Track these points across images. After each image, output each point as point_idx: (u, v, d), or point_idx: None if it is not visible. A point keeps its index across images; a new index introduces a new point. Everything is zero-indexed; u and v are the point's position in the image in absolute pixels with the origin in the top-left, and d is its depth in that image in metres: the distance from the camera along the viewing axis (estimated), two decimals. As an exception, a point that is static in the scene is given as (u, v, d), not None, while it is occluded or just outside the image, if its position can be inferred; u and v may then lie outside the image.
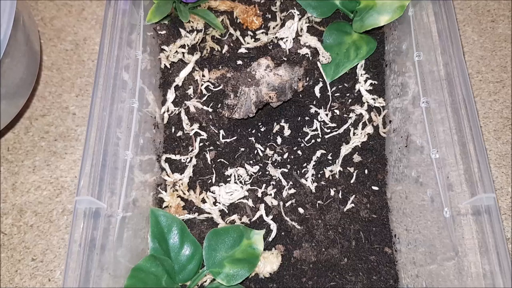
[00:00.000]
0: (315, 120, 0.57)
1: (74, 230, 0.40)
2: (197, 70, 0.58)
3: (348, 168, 0.55)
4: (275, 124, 0.57)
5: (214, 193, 0.54)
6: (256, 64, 0.54)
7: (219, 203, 0.53)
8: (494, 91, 0.64)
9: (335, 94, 0.58)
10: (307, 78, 0.57)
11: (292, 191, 0.54)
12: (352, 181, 0.55)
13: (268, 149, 0.56)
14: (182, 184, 0.54)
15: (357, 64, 0.58)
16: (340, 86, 0.58)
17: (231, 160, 0.56)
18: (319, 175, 0.55)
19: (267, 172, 0.55)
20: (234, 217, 0.53)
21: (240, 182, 0.55)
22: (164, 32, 0.59)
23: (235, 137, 0.57)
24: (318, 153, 0.56)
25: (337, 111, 0.57)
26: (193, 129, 0.57)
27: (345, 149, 0.55)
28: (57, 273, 0.55)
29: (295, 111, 0.57)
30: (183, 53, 0.59)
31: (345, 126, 0.57)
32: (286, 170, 0.55)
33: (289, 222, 0.52)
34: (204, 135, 0.57)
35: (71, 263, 0.39)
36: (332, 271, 0.50)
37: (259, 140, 0.57)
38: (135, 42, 0.53)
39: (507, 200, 0.58)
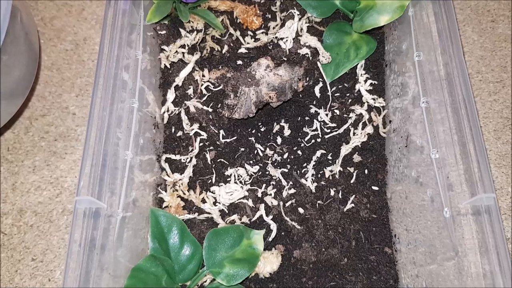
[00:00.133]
0: (315, 120, 0.57)
1: (74, 230, 0.40)
2: (197, 70, 0.58)
3: (348, 168, 0.55)
4: (275, 124, 0.57)
5: (214, 193, 0.54)
6: (256, 64, 0.54)
7: (219, 203, 0.53)
8: (494, 91, 0.64)
9: (335, 94, 0.58)
10: (307, 78, 0.57)
11: (292, 191, 0.54)
12: (352, 181, 0.55)
13: (268, 149, 0.56)
14: (182, 184, 0.54)
15: (357, 64, 0.58)
16: (340, 86, 0.58)
17: (231, 160, 0.56)
18: (319, 175, 0.55)
19: (267, 172, 0.55)
20: (234, 217, 0.53)
21: (240, 182, 0.55)
22: (164, 32, 0.59)
23: (235, 137, 0.57)
24: (318, 153, 0.56)
25: (337, 111, 0.57)
26: (193, 129, 0.57)
27: (345, 149, 0.55)
28: (57, 273, 0.55)
29: (295, 111, 0.57)
30: (183, 53, 0.59)
31: (345, 126, 0.57)
32: (286, 170, 0.55)
33: (289, 222, 0.52)
34: (204, 135, 0.57)
35: (71, 263, 0.39)
36: (332, 271, 0.50)
37: (259, 140, 0.57)
38: (135, 42, 0.53)
39: (507, 200, 0.58)
